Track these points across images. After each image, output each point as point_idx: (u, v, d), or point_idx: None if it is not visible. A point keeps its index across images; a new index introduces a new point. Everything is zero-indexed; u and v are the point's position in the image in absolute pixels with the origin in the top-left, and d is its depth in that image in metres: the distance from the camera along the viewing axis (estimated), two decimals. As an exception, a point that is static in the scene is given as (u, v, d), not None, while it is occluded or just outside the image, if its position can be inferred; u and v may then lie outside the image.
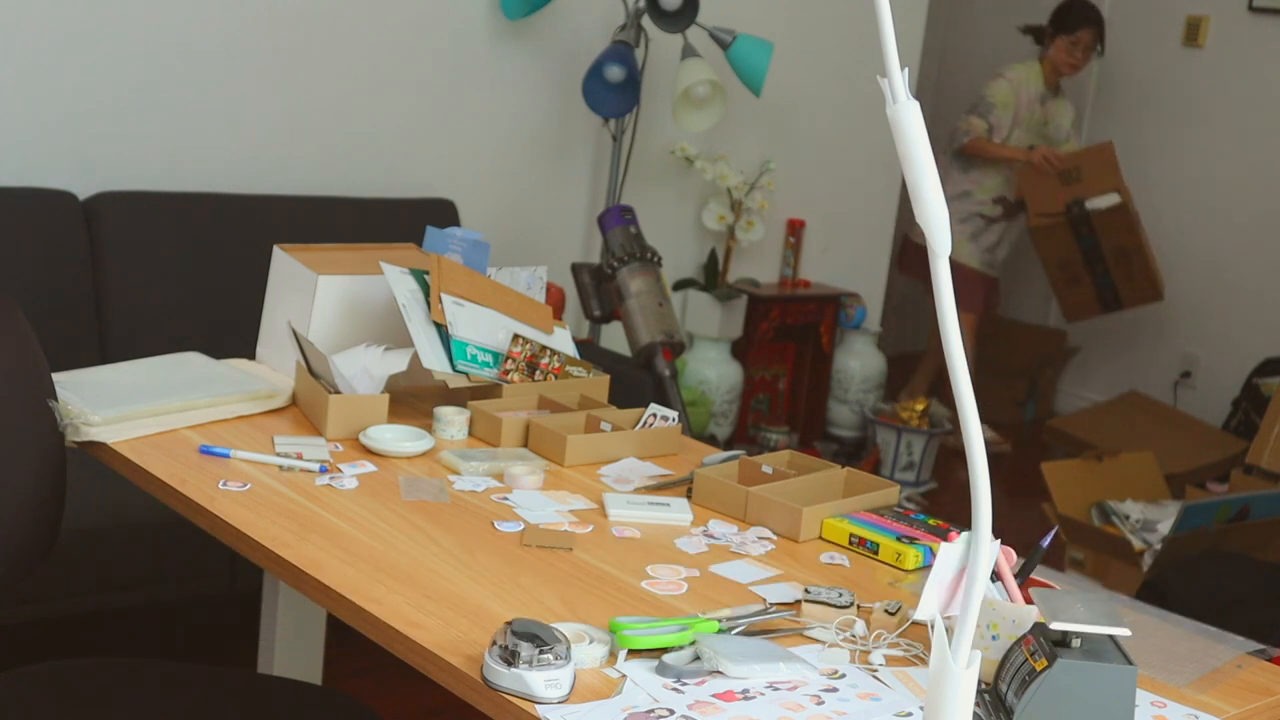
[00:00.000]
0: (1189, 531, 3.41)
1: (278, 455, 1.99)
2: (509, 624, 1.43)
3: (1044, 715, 1.37)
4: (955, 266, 4.84)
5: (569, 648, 1.42)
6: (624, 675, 1.46)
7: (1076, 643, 1.40)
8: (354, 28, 3.65)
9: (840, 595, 1.65)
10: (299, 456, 1.98)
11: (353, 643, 1.85)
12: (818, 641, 1.59)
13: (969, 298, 5.12)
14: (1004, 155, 5.03)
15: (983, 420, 1.09)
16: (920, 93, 5.68)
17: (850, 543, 1.89)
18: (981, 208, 5.15)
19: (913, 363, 5.77)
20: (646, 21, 3.94)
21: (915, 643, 1.60)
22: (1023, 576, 1.63)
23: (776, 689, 1.46)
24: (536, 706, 1.38)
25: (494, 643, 1.42)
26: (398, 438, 2.08)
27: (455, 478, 2.00)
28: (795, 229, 4.78)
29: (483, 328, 2.29)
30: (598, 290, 3.81)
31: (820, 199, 4.86)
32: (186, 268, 3.30)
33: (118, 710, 1.78)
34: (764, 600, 1.67)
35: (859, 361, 5.00)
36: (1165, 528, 3.70)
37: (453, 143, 3.94)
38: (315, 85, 3.64)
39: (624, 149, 4.08)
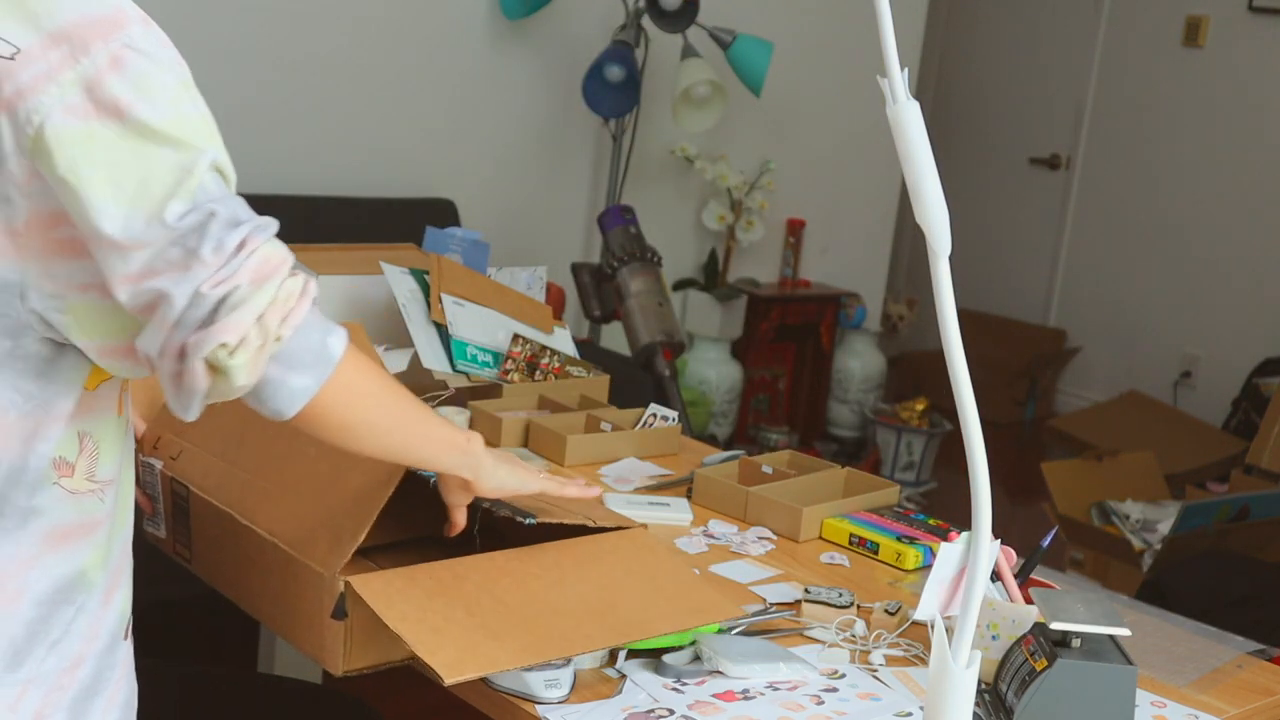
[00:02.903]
0: (1189, 531, 3.41)
1: (278, 455, 1.99)
2: (509, 624, 1.43)
3: (1044, 715, 1.37)
4: None
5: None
6: (624, 675, 1.46)
7: (1076, 643, 1.40)
8: (354, 28, 3.65)
9: (840, 595, 1.65)
10: (299, 456, 1.98)
11: (353, 643, 1.85)
12: (818, 641, 1.59)
13: None
14: None
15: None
16: (920, 93, 5.69)
17: (850, 543, 1.89)
18: None
19: (913, 363, 5.77)
20: (646, 21, 3.94)
21: (915, 643, 1.60)
22: (1023, 576, 1.63)
23: (776, 689, 1.46)
24: (536, 706, 1.38)
25: (494, 643, 1.42)
26: (398, 438, 2.08)
27: (455, 478, 2.00)
28: (795, 229, 4.78)
29: (483, 328, 2.29)
30: (598, 290, 3.81)
31: (820, 199, 4.86)
32: (186, 268, 3.30)
33: (118, 710, 1.78)
34: (764, 600, 1.67)
35: (859, 361, 5.00)
36: (1165, 528, 3.70)
37: (453, 143, 3.94)
38: (314, 85, 3.64)
39: (624, 149, 4.08)
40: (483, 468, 1.44)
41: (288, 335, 1.13)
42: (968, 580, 1.08)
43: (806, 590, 1.67)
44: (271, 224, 1.13)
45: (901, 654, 1.58)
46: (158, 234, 1.06)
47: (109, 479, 1.21)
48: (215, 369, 1.10)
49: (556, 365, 2.34)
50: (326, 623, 1.40)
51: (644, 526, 1.65)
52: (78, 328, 1.10)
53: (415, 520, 1.78)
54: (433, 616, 1.38)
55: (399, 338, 2.31)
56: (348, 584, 1.39)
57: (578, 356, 2.39)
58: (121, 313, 1.09)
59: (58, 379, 1.12)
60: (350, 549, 1.41)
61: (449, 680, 1.32)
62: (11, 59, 1.05)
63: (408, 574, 1.44)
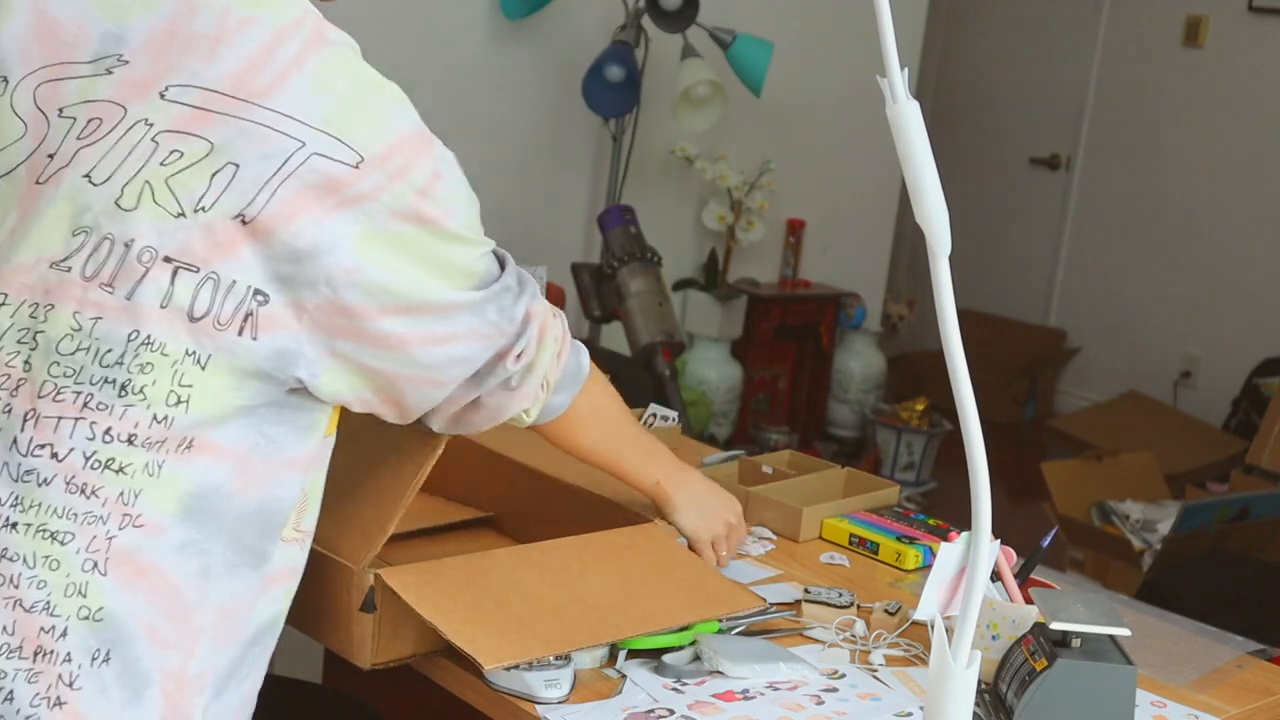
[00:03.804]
0: (1189, 531, 3.41)
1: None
2: (509, 624, 1.43)
3: (1044, 715, 1.37)
4: None
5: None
6: (624, 675, 1.46)
7: (1076, 643, 1.40)
8: (354, 28, 3.64)
9: (840, 595, 1.65)
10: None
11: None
12: (818, 641, 1.59)
13: None
14: None
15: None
16: (920, 93, 5.70)
17: (850, 543, 1.89)
18: None
19: (913, 363, 5.77)
20: (646, 21, 3.94)
21: (915, 643, 1.60)
22: (1023, 576, 1.63)
23: (776, 689, 1.46)
24: (536, 706, 1.38)
25: (494, 643, 1.42)
26: (398, 438, 2.08)
27: (455, 478, 2.00)
28: (795, 229, 4.78)
29: (483, 328, 2.29)
30: (598, 290, 3.81)
31: (820, 199, 4.86)
32: (186, 268, 3.30)
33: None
34: (764, 600, 1.67)
35: (859, 361, 5.00)
36: (1165, 528, 3.70)
37: (452, 142, 3.91)
38: (315, 85, 3.64)
39: (624, 149, 4.08)
40: (664, 508, 1.69)
41: (558, 377, 1.42)
42: (968, 580, 1.08)
43: (806, 590, 1.67)
44: (536, 287, 1.37)
45: (901, 654, 1.58)
46: (465, 302, 1.26)
47: (309, 530, 1.29)
48: (511, 421, 1.40)
49: (556, 365, 2.33)
50: (355, 616, 1.43)
51: (654, 522, 1.66)
52: (326, 388, 1.22)
53: (418, 513, 1.79)
54: (464, 608, 1.42)
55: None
56: (378, 577, 1.41)
57: (578, 356, 2.39)
58: (359, 376, 1.24)
59: (291, 423, 1.21)
60: (380, 542, 1.43)
61: (489, 666, 1.35)
62: (356, 167, 1.19)
63: (436, 567, 1.48)
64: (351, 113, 1.22)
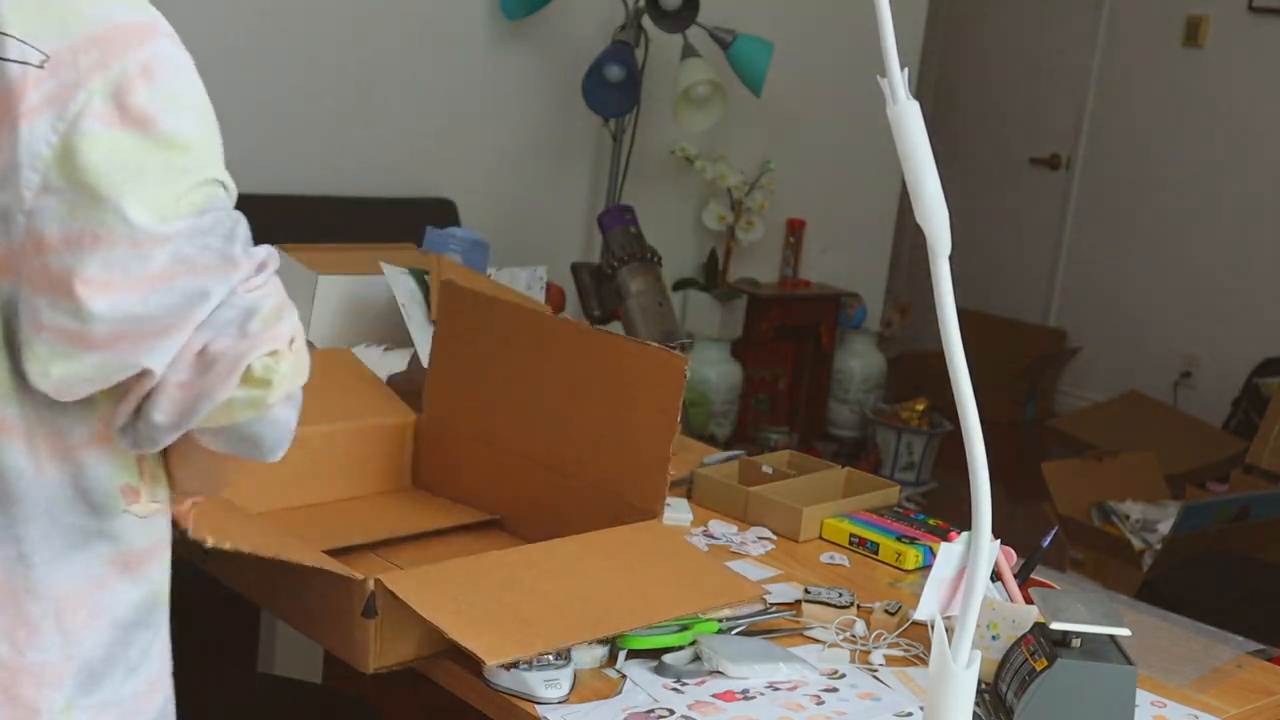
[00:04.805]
0: (1189, 531, 3.41)
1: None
2: (509, 624, 1.43)
3: (1044, 715, 1.37)
4: None
5: (569, 648, 1.42)
6: (624, 675, 1.46)
7: (1076, 643, 1.40)
8: (354, 28, 3.65)
9: (840, 595, 1.65)
10: (299, 456, 1.98)
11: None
12: (818, 641, 1.59)
13: None
14: None
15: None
16: (920, 93, 5.67)
17: (850, 543, 1.89)
18: None
19: (913, 363, 5.77)
20: (646, 21, 3.94)
21: (915, 643, 1.60)
22: (1023, 576, 1.63)
23: (776, 689, 1.46)
24: (536, 706, 1.38)
25: (494, 643, 1.42)
26: (398, 438, 2.08)
27: (455, 478, 2.00)
28: (795, 229, 4.78)
29: (483, 328, 2.28)
30: (598, 290, 3.81)
31: (820, 199, 4.86)
32: (186, 268, 3.30)
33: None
34: (764, 600, 1.67)
35: (859, 361, 5.00)
36: (1165, 528, 3.70)
37: (453, 143, 3.93)
38: (315, 85, 3.64)
39: (624, 149, 4.08)
40: None
41: (305, 373, 1.12)
42: (968, 580, 1.08)
43: (806, 590, 1.67)
44: (278, 263, 1.13)
45: (901, 654, 1.58)
46: (181, 230, 1.04)
47: (166, 499, 1.19)
48: (254, 380, 1.08)
49: (556, 365, 2.33)
50: (357, 621, 1.43)
51: (655, 519, 1.67)
52: (37, 368, 1.05)
53: (424, 516, 1.79)
54: (467, 608, 1.42)
55: (399, 338, 2.31)
56: (378, 582, 1.41)
57: (578, 356, 2.38)
58: (66, 359, 1.04)
59: (60, 404, 1.08)
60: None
61: (491, 661, 1.35)
62: (40, 66, 1.03)
63: (437, 570, 1.49)
64: (35, 8, 1.04)
